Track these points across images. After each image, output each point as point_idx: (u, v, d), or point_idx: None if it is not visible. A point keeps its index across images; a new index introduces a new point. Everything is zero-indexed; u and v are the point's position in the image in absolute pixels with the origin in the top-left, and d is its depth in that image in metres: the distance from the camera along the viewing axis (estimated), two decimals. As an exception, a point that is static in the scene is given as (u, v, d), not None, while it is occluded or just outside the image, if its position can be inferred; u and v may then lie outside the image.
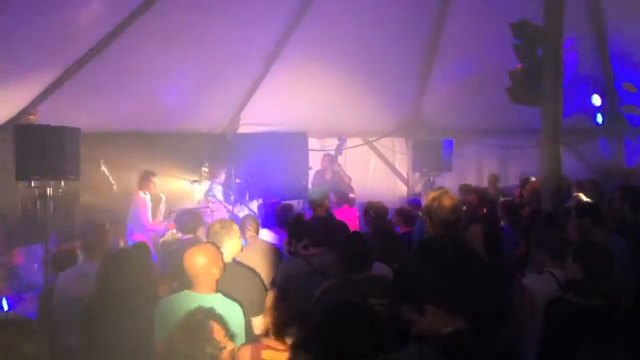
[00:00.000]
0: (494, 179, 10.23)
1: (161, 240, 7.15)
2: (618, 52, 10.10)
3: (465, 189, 7.76)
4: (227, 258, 4.03)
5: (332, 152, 9.92)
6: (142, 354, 3.29)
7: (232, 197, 8.68)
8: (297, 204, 9.25)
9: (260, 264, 4.81)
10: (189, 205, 8.45)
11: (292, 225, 5.12)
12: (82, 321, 3.59)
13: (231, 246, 4.19)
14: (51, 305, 4.26)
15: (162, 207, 8.25)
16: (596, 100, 9.95)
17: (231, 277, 3.70)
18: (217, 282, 3.54)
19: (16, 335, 2.16)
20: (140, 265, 3.76)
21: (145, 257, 4.53)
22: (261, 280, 4.33)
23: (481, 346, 2.73)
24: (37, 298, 5.54)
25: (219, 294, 3.50)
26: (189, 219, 5.80)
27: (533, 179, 8.13)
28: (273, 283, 4.56)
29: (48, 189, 6.60)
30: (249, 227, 5.48)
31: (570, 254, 3.68)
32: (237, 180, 8.86)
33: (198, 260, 3.47)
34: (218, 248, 3.71)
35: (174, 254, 5.42)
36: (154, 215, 8.06)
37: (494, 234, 5.17)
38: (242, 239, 4.41)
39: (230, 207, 8.62)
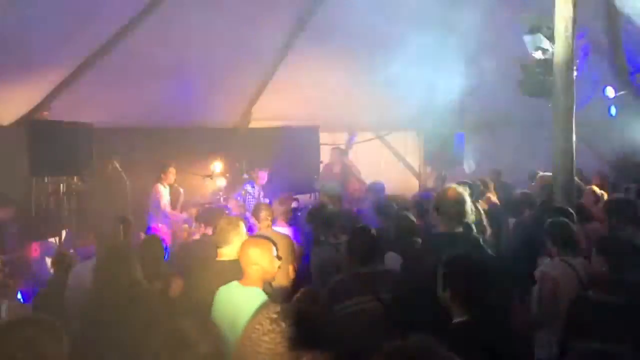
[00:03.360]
0: (497, 174, 9.91)
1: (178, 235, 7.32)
2: (632, 44, 9.99)
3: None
4: (234, 255, 3.97)
5: (342, 146, 9.91)
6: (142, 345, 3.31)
7: (243, 193, 8.71)
8: (309, 198, 9.28)
9: None
10: (203, 198, 8.72)
11: (320, 214, 5.31)
12: (83, 315, 3.65)
13: (238, 243, 4.06)
14: (61, 299, 4.31)
15: (181, 200, 8.53)
16: (610, 92, 9.86)
17: (233, 276, 3.65)
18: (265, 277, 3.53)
19: (38, 333, 2.16)
20: (138, 258, 3.78)
21: (155, 250, 4.58)
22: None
23: (491, 337, 2.71)
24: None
25: (257, 289, 3.48)
26: (210, 213, 5.99)
27: (540, 173, 8.00)
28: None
29: (61, 185, 6.66)
30: (265, 218, 5.53)
31: (594, 247, 3.64)
32: (245, 176, 8.88)
33: (247, 252, 3.52)
34: (272, 243, 3.64)
35: (187, 250, 5.56)
36: (173, 207, 8.31)
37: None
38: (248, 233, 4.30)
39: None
